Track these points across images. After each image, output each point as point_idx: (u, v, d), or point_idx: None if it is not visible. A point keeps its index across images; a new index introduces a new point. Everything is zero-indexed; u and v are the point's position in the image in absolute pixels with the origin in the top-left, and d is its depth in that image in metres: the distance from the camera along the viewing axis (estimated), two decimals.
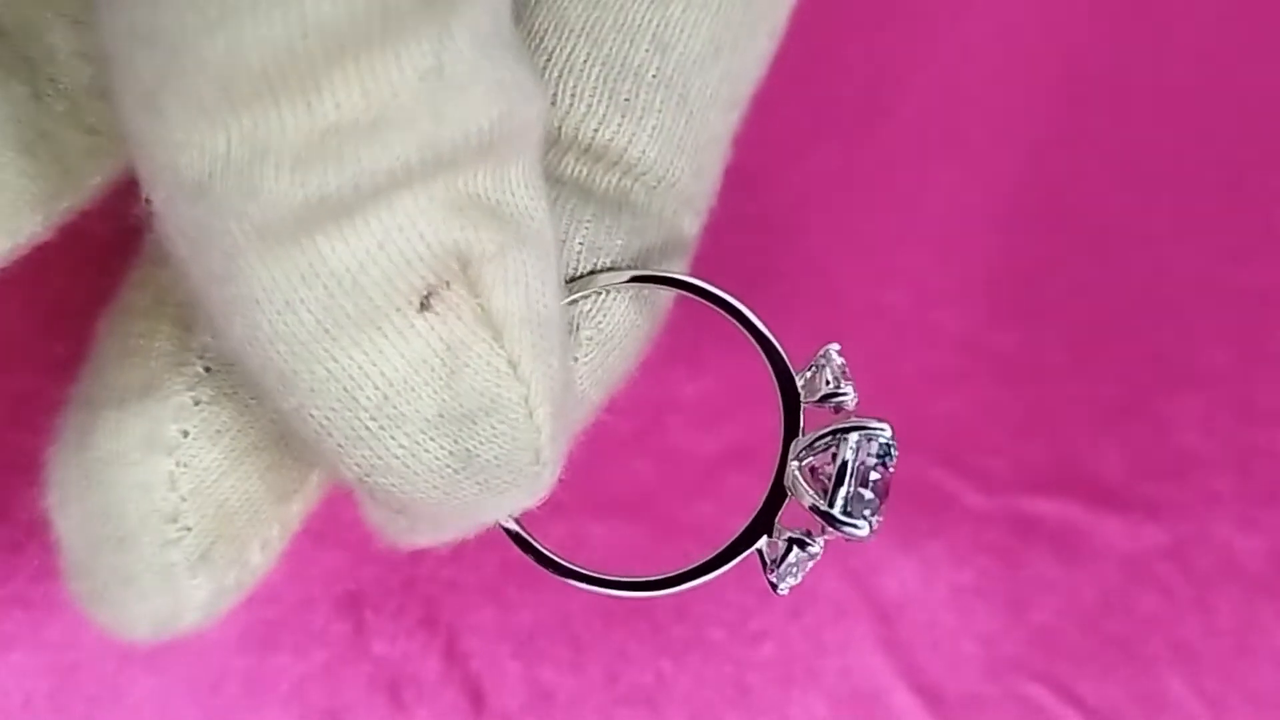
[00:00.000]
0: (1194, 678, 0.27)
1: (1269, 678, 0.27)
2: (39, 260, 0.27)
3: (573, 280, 0.21)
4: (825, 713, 0.26)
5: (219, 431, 0.20)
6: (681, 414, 0.27)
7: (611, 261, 0.21)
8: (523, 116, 0.18)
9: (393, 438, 0.18)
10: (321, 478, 0.22)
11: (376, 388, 0.18)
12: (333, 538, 0.26)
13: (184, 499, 0.20)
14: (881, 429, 0.20)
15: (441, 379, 0.18)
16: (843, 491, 0.20)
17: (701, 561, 0.21)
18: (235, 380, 0.20)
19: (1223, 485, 0.28)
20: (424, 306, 0.18)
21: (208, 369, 0.20)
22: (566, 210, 0.21)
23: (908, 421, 0.27)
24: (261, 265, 0.17)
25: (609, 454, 0.26)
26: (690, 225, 0.22)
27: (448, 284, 0.18)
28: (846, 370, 0.21)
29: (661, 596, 0.22)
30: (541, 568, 0.21)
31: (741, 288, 0.26)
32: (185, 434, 0.20)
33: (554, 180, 0.21)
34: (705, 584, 0.26)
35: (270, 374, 0.18)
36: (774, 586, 0.21)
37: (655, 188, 0.21)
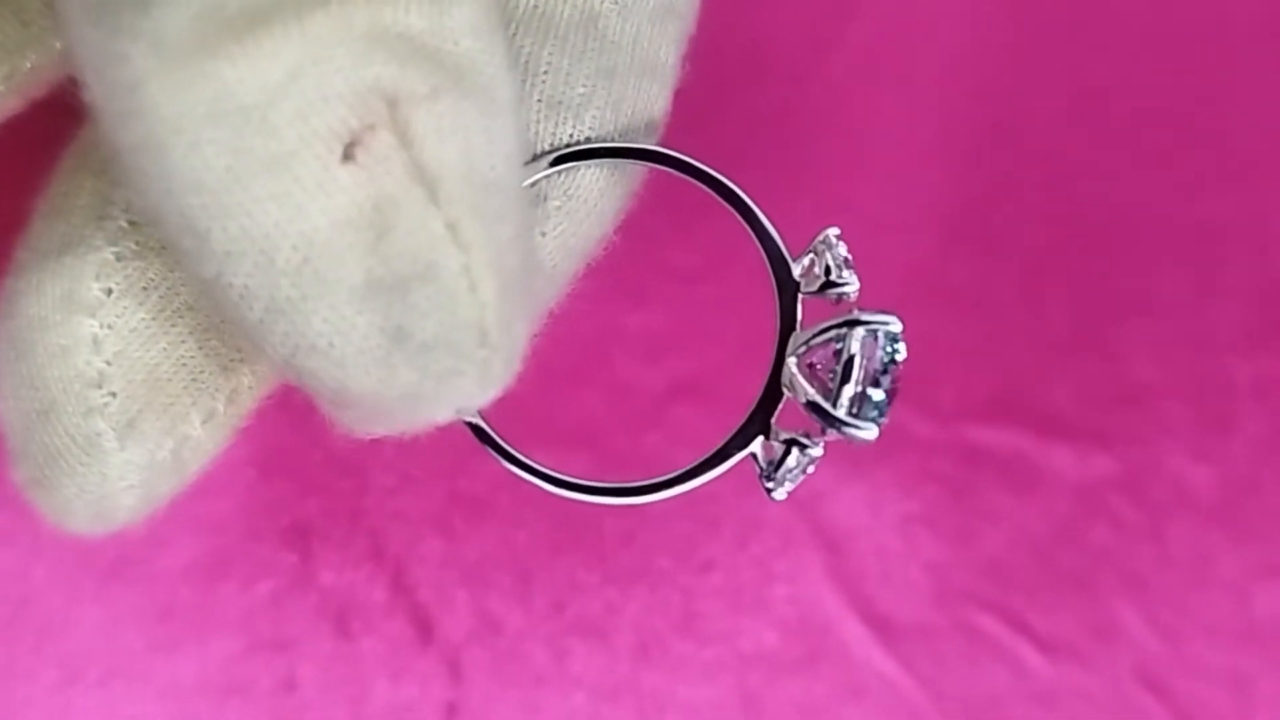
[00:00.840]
0: (1146, 607, 0.27)
1: (1221, 607, 0.27)
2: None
3: (538, 158, 0.20)
4: (774, 641, 0.26)
5: (145, 289, 0.19)
6: (626, 346, 0.27)
7: (574, 118, 0.20)
8: None
9: (315, 310, 0.17)
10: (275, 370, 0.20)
11: (295, 248, 0.16)
12: (280, 469, 0.26)
13: (108, 363, 0.19)
14: (889, 321, 0.19)
15: (368, 242, 0.17)
16: (848, 390, 0.19)
17: (692, 465, 0.20)
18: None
19: (1175, 415, 0.28)
20: (347, 156, 0.16)
21: (131, 222, 0.19)
22: (522, 56, 0.20)
23: None
24: (163, 94, 0.16)
25: (554, 386, 0.26)
26: (669, 51, 0.21)
27: (373, 129, 0.17)
28: (849, 258, 0.20)
29: (650, 502, 0.20)
30: (524, 475, 0.20)
31: (686, 221, 0.26)
32: (108, 292, 0.19)
33: (509, 19, 0.20)
34: (652, 512, 0.26)
35: (185, 234, 0.17)
36: (769, 493, 0.20)
37: (628, 4, 0.20)
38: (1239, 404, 0.28)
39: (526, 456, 0.20)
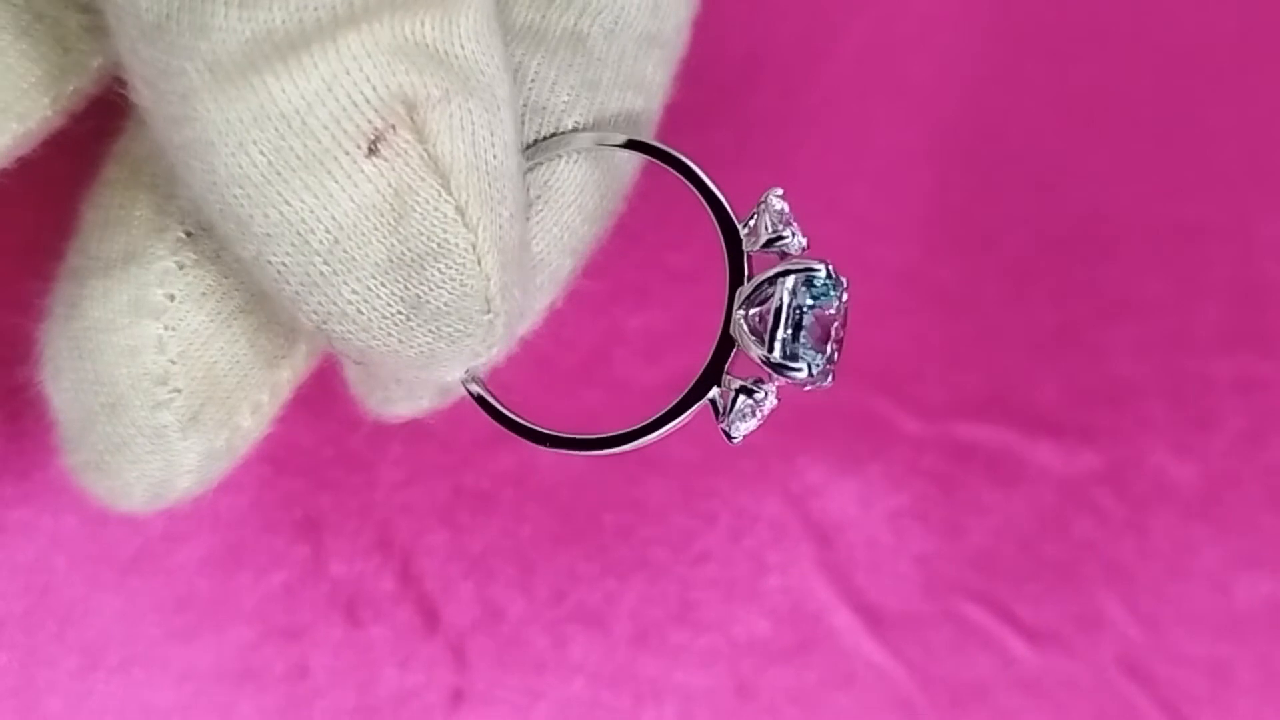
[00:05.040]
0: (1128, 597, 0.28)
1: (1200, 597, 0.28)
2: (6, 201, 0.28)
3: (528, 147, 0.22)
4: (767, 631, 0.27)
5: (204, 294, 0.21)
6: (627, 346, 0.28)
7: (556, 123, 0.22)
8: None
9: (345, 283, 0.19)
10: (310, 346, 0.22)
11: (328, 231, 0.19)
12: (293, 464, 0.27)
13: (173, 361, 0.21)
14: (816, 268, 0.20)
15: (389, 223, 0.19)
16: (780, 335, 0.20)
17: (656, 416, 0.22)
18: (217, 244, 0.21)
19: (1156, 411, 0.28)
20: (372, 151, 0.19)
21: (188, 233, 0.21)
22: (512, 64, 0.22)
23: (847, 352, 0.28)
24: (215, 105, 0.18)
25: (557, 386, 0.27)
26: (656, 71, 0.22)
27: (394, 128, 0.19)
28: (788, 214, 0.21)
29: (622, 452, 0.22)
30: (507, 430, 0.22)
31: (684, 223, 0.27)
32: (171, 298, 0.21)
33: (507, 31, 0.22)
34: (650, 506, 0.27)
35: (229, 220, 0.19)
36: (728, 435, 0.21)
37: (613, 29, 0.22)
38: (1219, 401, 0.29)
39: (516, 414, 0.22)
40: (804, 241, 0.21)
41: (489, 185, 0.20)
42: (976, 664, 0.27)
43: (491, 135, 0.20)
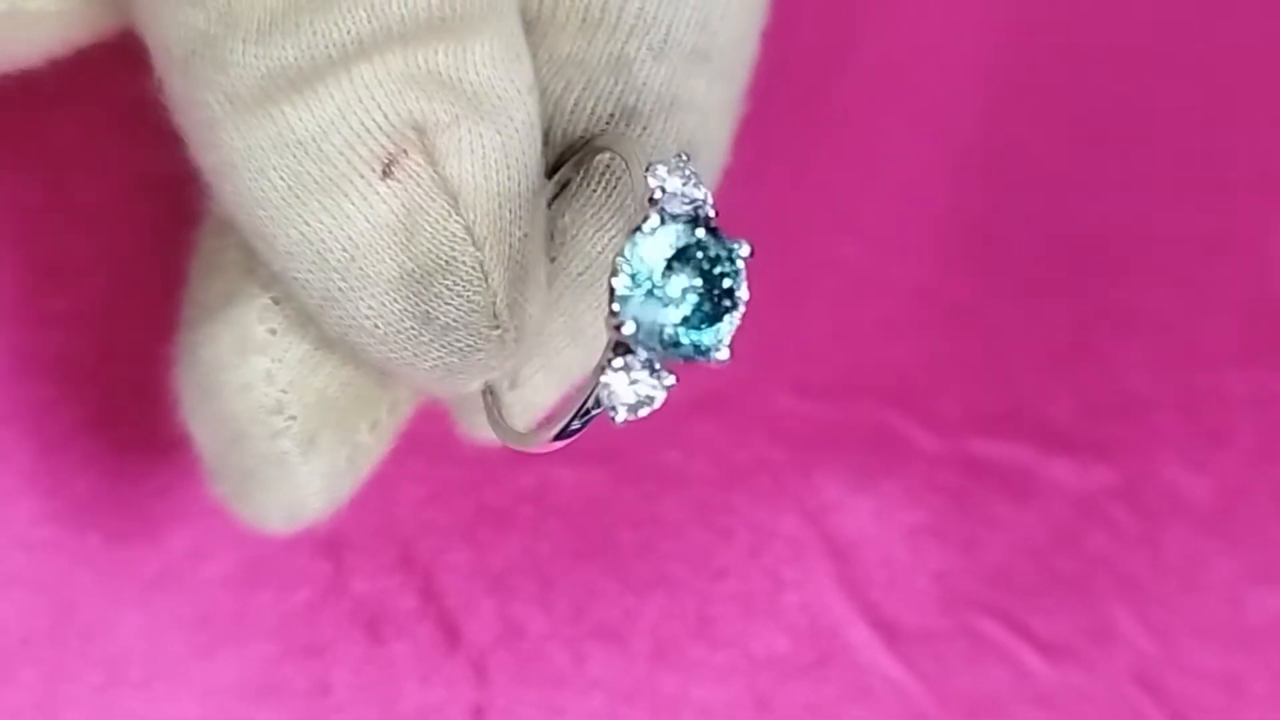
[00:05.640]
0: (1141, 611, 0.28)
1: (1213, 610, 0.28)
2: (32, 222, 0.28)
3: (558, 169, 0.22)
4: (785, 646, 0.27)
5: (304, 325, 0.22)
6: None
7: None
8: None
9: (361, 298, 0.20)
10: None
11: (344, 249, 0.20)
12: None
13: (284, 391, 0.22)
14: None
15: (401, 241, 0.20)
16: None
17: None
18: None
19: (1170, 426, 0.29)
20: (385, 174, 0.20)
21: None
22: (553, 97, 0.22)
23: (863, 367, 0.29)
24: (236, 133, 0.20)
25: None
26: (710, 88, 0.22)
27: (406, 152, 0.20)
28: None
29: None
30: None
31: None
32: (272, 332, 0.22)
33: (553, 61, 0.22)
34: (669, 523, 0.28)
35: (256, 238, 0.20)
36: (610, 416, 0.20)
37: (661, 49, 0.22)
38: (1233, 416, 0.29)
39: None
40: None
41: (499, 205, 0.20)
42: (992, 678, 0.28)
43: (505, 158, 0.20)
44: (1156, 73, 0.30)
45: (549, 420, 0.22)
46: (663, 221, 0.19)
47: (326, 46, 0.19)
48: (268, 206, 0.20)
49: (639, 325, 0.19)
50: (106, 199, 0.28)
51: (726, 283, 0.19)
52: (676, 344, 0.19)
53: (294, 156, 0.20)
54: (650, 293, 0.19)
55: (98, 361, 0.28)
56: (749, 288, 0.20)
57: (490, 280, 0.20)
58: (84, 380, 0.27)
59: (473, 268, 0.20)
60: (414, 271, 0.20)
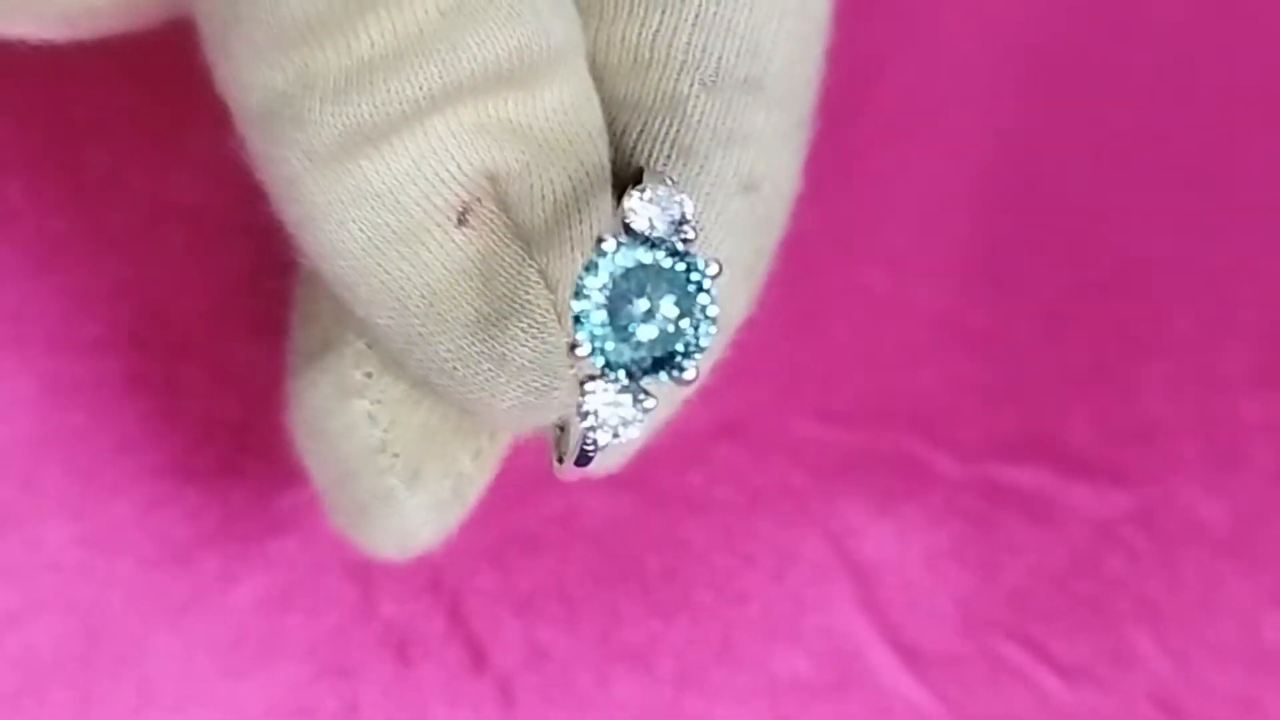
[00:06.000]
0: (1160, 634, 0.28)
1: (1230, 633, 0.28)
2: (62, 249, 0.28)
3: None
4: (807, 668, 0.28)
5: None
6: None
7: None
8: (545, 46, 0.20)
9: (440, 342, 0.21)
10: None
11: (423, 296, 0.21)
12: None
13: (386, 430, 0.23)
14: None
15: (478, 287, 0.21)
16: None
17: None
18: None
19: (1187, 450, 0.29)
20: (461, 221, 0.21)
21: None
22: (617, 136, 0.22)
23: (885, 393, 0.29)
24: (315, 187, 0.20)
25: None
26: (767, 118, 0.22)
27: (480, 200, 0.21)
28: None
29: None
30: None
31: None
32: (369, 375, 0.23)
33: (610, 104, 0.22)
34: (693, 548, 0.28)
35: (339, 286, 0.21)
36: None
37: (713, 82, 0.22)
38: (1249, 440, 0.29)
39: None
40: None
41: (570, 248, 0.21)
42: (1012, 700, 0.28)
43: (575, 201, 0.21)
44: (1175, 100, 0.30)
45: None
46: (624, 243, 0.19)
47: (400, 102, 0.20)
48: (349, 257, 0.21)
49: (599, 348, 0.19)
50: (135, 225, 0.29)
51: (694, 302, 0.19)
52: (640, 366, 0.20)
53: (372, 208, 0.20)
54: (612, 315, 0.19)
55: (127, 387, 0.28)
56: (725, 306, 0.20)
57: (564, 321, 0.21)
58: (114, 406, 0.28)
59: (547, 310, 0.21)
60: (490, 315, 0.21)
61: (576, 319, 0.19)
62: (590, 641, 0.27)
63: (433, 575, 0.27)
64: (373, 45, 0.20)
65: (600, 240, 0.19)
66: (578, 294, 0.19)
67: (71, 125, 0.29)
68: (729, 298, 0.22)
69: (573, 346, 0.19)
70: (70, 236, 0.29)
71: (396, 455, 0.23)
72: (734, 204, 0.22)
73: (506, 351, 0.21)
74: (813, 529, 0.28)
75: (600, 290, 0.19)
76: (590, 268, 0.19)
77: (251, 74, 0.20)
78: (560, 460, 0.22)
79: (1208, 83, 0.31)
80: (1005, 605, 0.28)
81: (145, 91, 0.29)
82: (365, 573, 0.27)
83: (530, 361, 0.21)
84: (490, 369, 0.21)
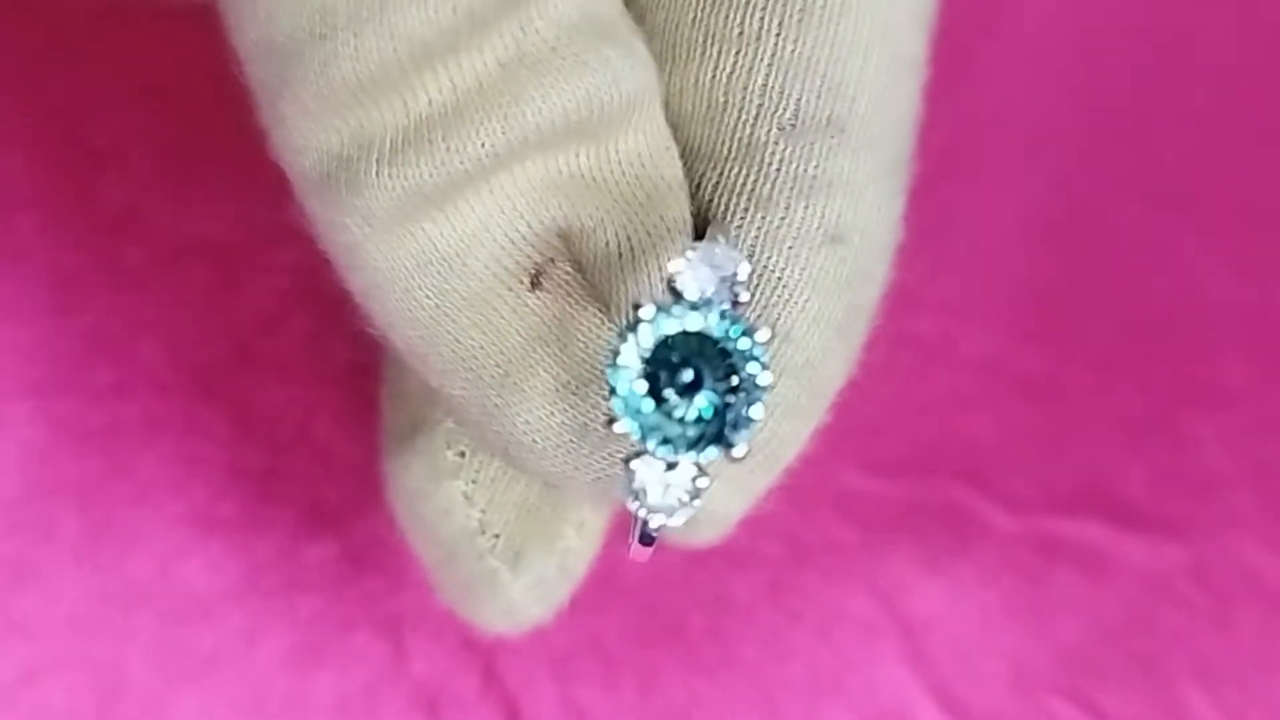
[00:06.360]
0: (1214, 692, 0.27)
1: None
2: (77, 288, 0.27)
3: None
4: None
5: None
6: None
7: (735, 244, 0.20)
8: (615, 95, 0.19)
9: (518, 413, 0.20)
10: None
11: (497, 365, 0.19)
12: (373, 563, 0.26)
13: (483, 511, 0.22)
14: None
15: (555, 353, 0.19)
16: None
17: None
18: None
19: (1243, 503, 0.28)
20: (534, 284, 0.19)
21: None
22: (693, 188, 0.21)
23: (935, 444, 0.28)
24: (378, 254, 0.19)
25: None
26: (854, 162, 0.20)
27: (553, 261, 0.19)
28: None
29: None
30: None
31: None
32: (461, 454, 0.22)
33: (684, 153, 0.21)
34: (736, 603, 0.27)
35: (411, 355, 0.20)
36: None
37: (792, 126, 0.20)
38: None
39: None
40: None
41: None
42: None
43: (658, 258, 0.20)
44: (1229, 143, 0.30)
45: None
46: (666, 308, 0.18)
47: (462, 161, 0.18)
48: (417, 326, 0.19)
49: (638, 422, 0.18)
50: (153, 262, 0.28)
51: (743, 371, 0.18)
52: (686, 441, 0.18)
53: (439, 274, 0.19)
54: (653, 386, 0.18)
55: (147, 433, 0.27)
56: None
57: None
58: (132, 453, 0.27)
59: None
60: (569, 383, 0.19)
61: (613, 390, 0.18)
62: (629, 701, 0.26)
63: (466, 633, 0.26)
64: (430, 103, 0.18)
65: (637, 306, 0.18)
66: (613, 363, 0.18)
67: (87, 157, 0.28)
68: (822, 359, 0.21)
69: (610, 420, 0.18)
70: (86, 274, 0.27)
71: (497, 536, 0.22)
72: (820, 257, 0.20)
73: (588, 421, 0.19)
74: (860, 584, 0.27)
75: (640, 359, 0.18)
76: (626, 334, 0.18)
77: (305, 138, 0.19)
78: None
79: (1261, 124, 0.30)
80: (1057, 662, 0.27)
81: (164, 122, 0.28)
82: (396, 630, 0.26)
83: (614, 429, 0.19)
84: (572, 440, 0.20)
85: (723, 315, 0.18)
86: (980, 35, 0.29)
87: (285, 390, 0.27)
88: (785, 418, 0.21)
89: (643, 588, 0.27)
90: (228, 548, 0.26)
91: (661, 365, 0.18)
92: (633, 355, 0.18)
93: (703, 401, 0.18)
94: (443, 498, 0.22)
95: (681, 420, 0.18)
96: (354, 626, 0.26)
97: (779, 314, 0.20)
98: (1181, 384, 0.28)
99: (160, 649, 0.26)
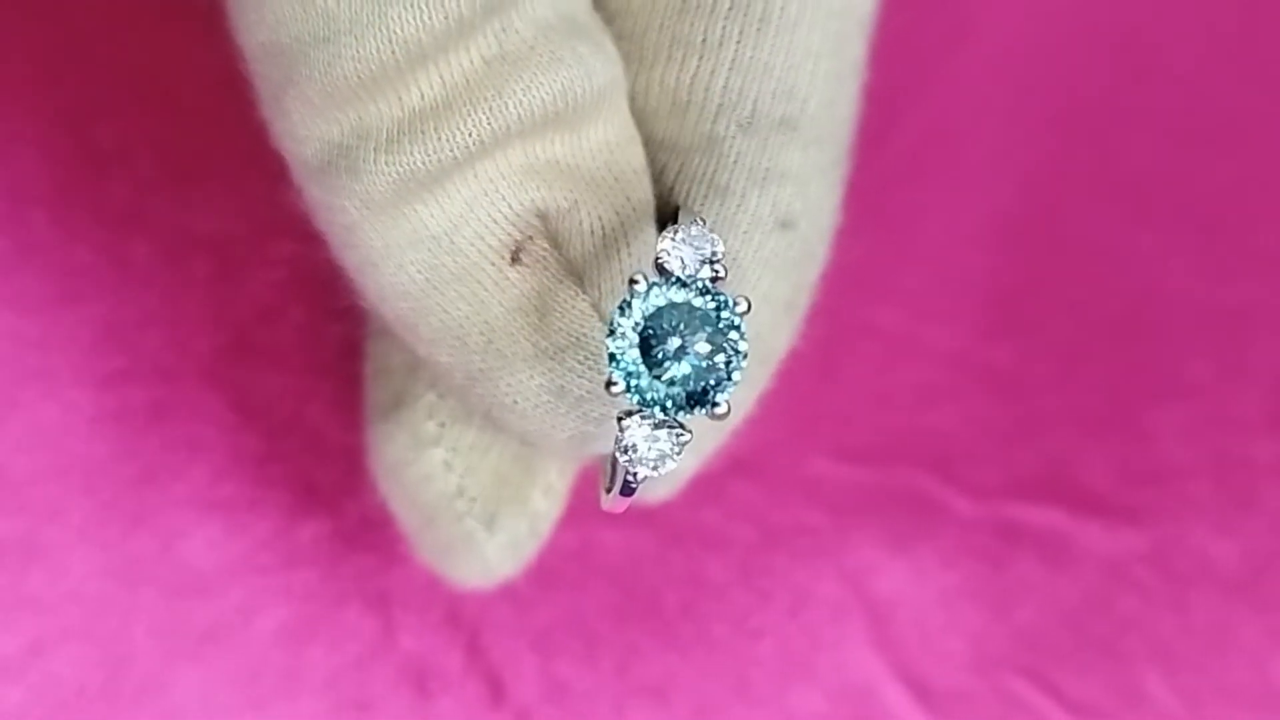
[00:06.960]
0: (1170, 674, 0.29)
1: (1241, 674, 0.29)
2: (87, 280, 0.29)
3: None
4: (821, 705, 0.28)
5: (468, 414, 0.23)
6: None
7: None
8: (588, 88, 0.21)
9: (500, 377, 0.21)
10: None
11: (481, 333, 0.21)
12: (364, 540, 0.28)
13: (462, 477, 0.24)
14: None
15: (534, 322, 0.21)
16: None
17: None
18: None
19: (1200, 492, 0.29)
20: (515, 260, 0.21)
21: None
22: (657, 177, 0.23)
23: (901, 433, 0.29)
24: (374, 233, 0.21)
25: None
26: (804, 156, 0.23)
27: (531, 238, 0.21)
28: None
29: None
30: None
31: None
32: (441, 425, 0.23)
33: (650, 145, 0.23)
34: (710, 584, 0.28)
35: (400, 326, 0.22)
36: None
37: (749, 123, 0.22)
38: (1261, 482, 0.29)
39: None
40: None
41: (621, 282, 0.22)
42: None
43: (624, 235, 0.22)
44: (1191, 144, 0.31)
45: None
46: (656, 283, 0.20)
47: (452, 149, 0.20)
48: (408, 298, 0.21)
49: (634, 385, 0.20)
50: (158, 256, 0.29)
51: (725, 339, 0.20)
52: (675, 401, 0.20)
53: (429, 251, 0.21)
54: (645, 352, 0.20)
55: (151, 418, 0.28)
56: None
57: None
58: (137, 437, 0.28)
59: (602, 341, 0.21)
60: (548, 349, 0.21)
61: (611, 357, 0.20)
62: (608, 676, 0.28)
63: (452, 609, 0.28)
64: (423, 97, 0.20)
65: (633, 280, 0.20)
66: (611, 333, 0.20)
67: (95, 157, 0.29)
68: (770, 332, 0.23)
69: (609, 384, 0.20)
70: (94, 267, 0.29)
71: (473, 499, 0.24)
72: (771, 241, 0.22)
73: (565, 384, 0.21)
74: (828, 566, 0.28)
75: (634, 329, 0.20)
76: (623, 307, 0.20)
77: (308, 129, 0.21)
78: (608, 491, 0.22)
79: (1223, 127, 0.31)
80: (1017, 643, 0.28)
81: (168, 124, 0.30)
82: (385, 606, 0.27)
83: (589, 392, 0.21)
84: (550, 401, 0.21)
85: (704, 289, 0.20)
86: (948, 41, 0.31)
87: (282, 378, 0.28)
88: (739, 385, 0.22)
89: (621, 568, 0.28)
90: (227, 527, 0.28)
91: (652, 334, 0.20)
92: (629, 326, 0.20)
93: (688, 367, 0.20)
94: (424, 465, 0.23)
95: (671, 383, 0.20)
96: (346, 602, 0.27)
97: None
98: (1141, 377, 0.30)
99: (163, 623, 0.27)
